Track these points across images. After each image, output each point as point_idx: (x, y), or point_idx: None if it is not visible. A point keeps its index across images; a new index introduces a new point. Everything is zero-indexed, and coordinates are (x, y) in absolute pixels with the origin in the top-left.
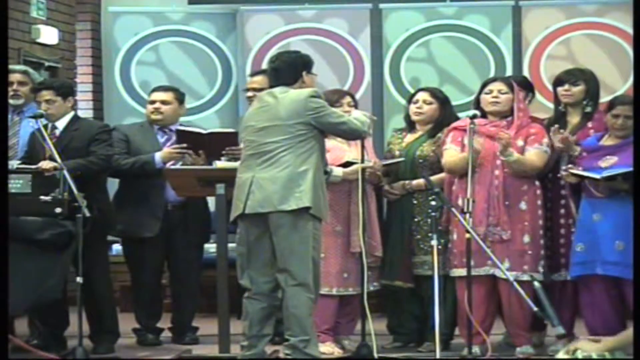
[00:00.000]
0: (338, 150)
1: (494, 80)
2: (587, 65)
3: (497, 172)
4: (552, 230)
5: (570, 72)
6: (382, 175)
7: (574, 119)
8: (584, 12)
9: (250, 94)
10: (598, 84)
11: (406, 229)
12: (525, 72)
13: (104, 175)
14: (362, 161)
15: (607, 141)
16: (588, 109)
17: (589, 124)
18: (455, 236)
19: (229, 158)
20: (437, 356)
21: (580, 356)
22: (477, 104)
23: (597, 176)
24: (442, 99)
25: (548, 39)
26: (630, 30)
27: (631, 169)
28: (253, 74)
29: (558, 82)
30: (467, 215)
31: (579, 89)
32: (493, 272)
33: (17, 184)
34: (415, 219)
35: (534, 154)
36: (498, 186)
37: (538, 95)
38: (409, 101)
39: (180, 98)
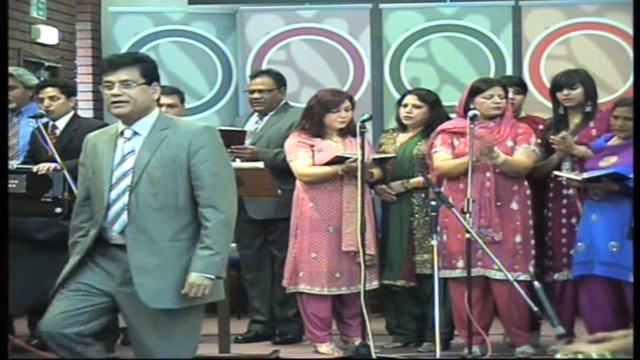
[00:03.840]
0: (332, 149)
1: (491, 84)
2: (587, 65)
3: (488, 174)
4: (553, 230)
5: (567, 75)
6: (372, 169)
7: (575, 119)
8: (584, 12)
9: (256, 95)
10: (594, 83)
11: (406, 228)
12: (525, 72)
13: None
14: (362, 158)
15: (613, 142)
16: (588, 109)
17: (591, 124)
18: (445, 237)
19: (234, 157)
20: (437, 356)
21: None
22: (467, 105)
23: (578, 178)
24: (430, 101)
25: (548, 39)
26: (630, 30)
27: (613, 170)
28: (254, 75)
29: (556, 87)
30: (467, 216)
31: (578, 91)
32: (484, 274)
33: (12, 184)
34: (415, 218)
35: (523, 153)
36: (490, 188)
37: (538, 95)
38: (399, 103)
39: (183, 99)
